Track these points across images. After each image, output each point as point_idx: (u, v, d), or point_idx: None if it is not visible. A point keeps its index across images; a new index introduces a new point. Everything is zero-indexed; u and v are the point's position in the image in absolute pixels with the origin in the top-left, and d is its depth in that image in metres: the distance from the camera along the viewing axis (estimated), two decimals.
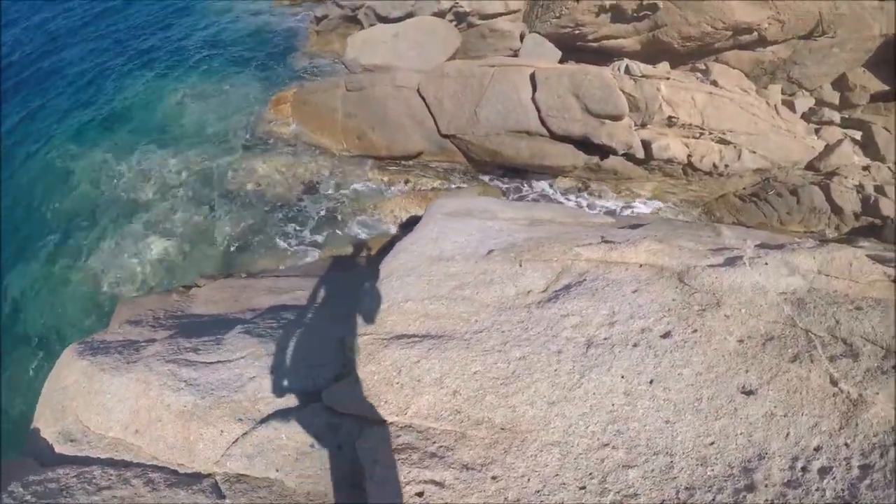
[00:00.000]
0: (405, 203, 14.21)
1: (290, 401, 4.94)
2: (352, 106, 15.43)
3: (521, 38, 17.70)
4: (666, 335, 4.11)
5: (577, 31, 17.43)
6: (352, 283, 8.40)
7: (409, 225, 13.95)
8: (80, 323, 12.97)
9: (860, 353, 3.64)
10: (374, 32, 16.79)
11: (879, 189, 13.46)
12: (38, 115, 19.74)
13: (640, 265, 5.04)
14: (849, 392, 3.42)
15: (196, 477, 4.34)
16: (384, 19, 17.45)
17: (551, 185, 14.80)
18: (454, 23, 17.73)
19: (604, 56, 17.81)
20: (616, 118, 13.64)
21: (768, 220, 14.11)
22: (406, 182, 14.86)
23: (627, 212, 14.52)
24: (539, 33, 17.82)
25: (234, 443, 4.45)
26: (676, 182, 15.26)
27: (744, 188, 15.28)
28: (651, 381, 3.77)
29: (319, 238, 13.94)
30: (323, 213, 14.56)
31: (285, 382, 5.11)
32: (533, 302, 4.86)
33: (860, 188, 13.64)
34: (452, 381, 4.10)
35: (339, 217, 14.38)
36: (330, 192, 14.99)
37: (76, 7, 29.01)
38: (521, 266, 5.37)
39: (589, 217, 7.79)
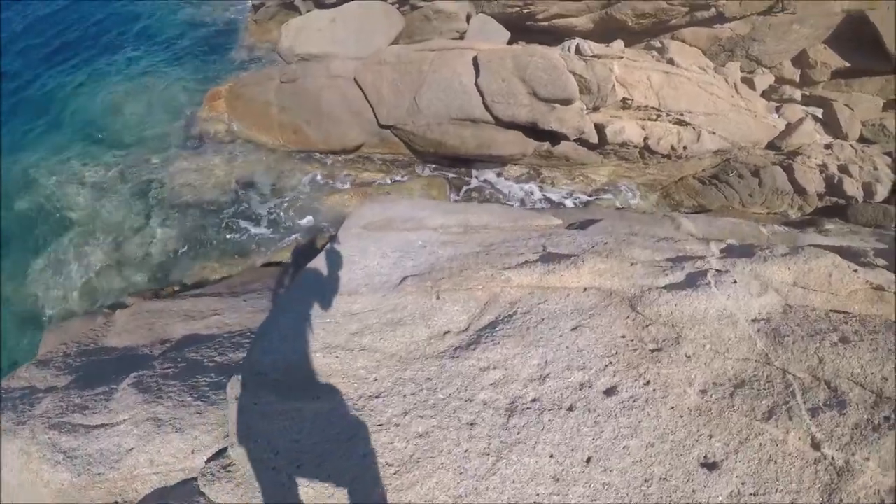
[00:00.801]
0: (345, 199, 13.15)
1: (170, 478, 4.17)
2: (286, 99, 14.25)
3: (468, 19, 16.59)
4: (610, 391, 3.27)
5: (525, 11, 16.34)
6: (266, 305, 7.57)
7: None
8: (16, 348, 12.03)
9: (847, 402, 2.98)
10: (309, 19, 15.55)
11: (843, 168, 12.69)
12: None
13: (584, 289, 4.10)
14: (833, 458, 2.77)
15: None
16: (321, 4, 16.21)
17: (499, 175, 13.80)
18: (396, 6, 16.54)
19: (555, 36, 16.76)
20: (566, 102, 12.63)
21: (730, 203, 13.40)
22: (346, 176, 13.77)
23: (580, 199, 13.65)
24: (486, 13, 16.72)
25: None
26: (633, 166, 14.40)
27: (703, 170, 14.51)
28: (588, 460, 2.93)
29: (253, 244, 12.85)
30: (261, 213, 13.44)
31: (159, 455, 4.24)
32: (448, 349, 3.89)
33: (823, 167, 12.86)
34: (331, 470, 3.11)
35: (277, 218, 13.28)
36: (266, 192, 13.85)
37: None
38: (438, 298, 4.38)
39: (532, 218, 6.74)
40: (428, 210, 6.84)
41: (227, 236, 13.17)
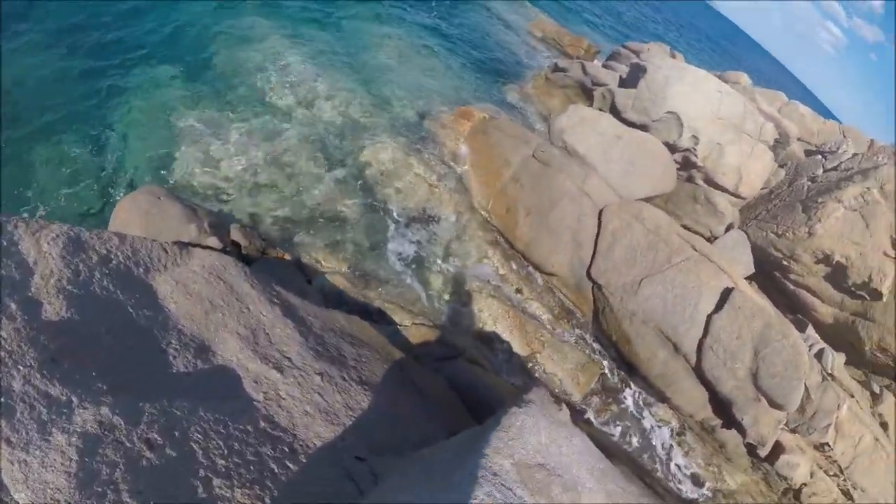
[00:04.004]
0: (498, 313, 11.17)
1: None
2: (526, 175, 12.40)
3: (728, 227, 14.36)
4: None
5: (784, 262, 13.99)
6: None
7: (495, 344, 11.09)
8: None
9: None
10: (597, 119, 13.66)
11: None
12: None
13: None
14: None
15: None
16: (617, 113, 14.33)
17: (650, 407, 11.54)
18: (677, 166, 14.48)
19: (788, 301, 14.38)
20: (775, 406, 10.31)
21: None
22: (517, 291, 11.79)
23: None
24: (747, 234, 14.44)
25: None
26: (768, 493, 11.93)
27: None
28: None
29: (382, 272, 11.03)
30: (416, 255, 11.65)
31: None
32: None
33: None
34: None
35: (423, 276, 11.44)
36: (438, 238, 12.04)
37: None
38: None
39: None
40: (590, 463, 4.80)
41: (368, 242, 11.47)
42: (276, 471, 4.09)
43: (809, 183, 15.42)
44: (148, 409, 3.83)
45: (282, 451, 4.31)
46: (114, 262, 4.95)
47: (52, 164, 10.59)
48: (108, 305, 4.48)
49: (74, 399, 3.56)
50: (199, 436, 3.92)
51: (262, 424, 4.43)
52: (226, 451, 3.97)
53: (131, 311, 4.61)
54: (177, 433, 3.84)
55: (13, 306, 3.86)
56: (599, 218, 11.70)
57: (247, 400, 4.59)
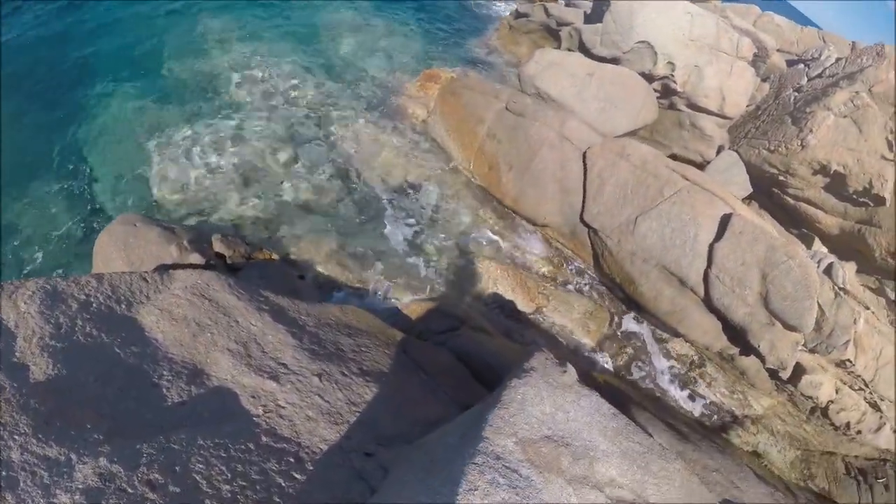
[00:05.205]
0: (497, 274, 10.67)
1: None
2: (502, 129, 11.75)
3: (718, 150, 13.72)
4: None
5: (780, 177, 13.38)
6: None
7: (498, 306, 10.59)
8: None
9: None
10: (566, 58, 12.91)
11: None
12: None
13: None
14: None
15: None
16: (586, 51, 13.56)
17: (663, 343, 11.09)
18: (658, 95, 13.78)
19: (791, 218, 13.82)
20: (790, 328, 9.82)
21: None
22: (514, 247, 11.27)
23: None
24: (739, 153, 13.80)
25: None
26: (795, 413, 11.56)
27: (856, 456, 11.59)
28: None
29: (376, 259, 10.53)
30: (407, 232, 11.11)
31: None
32: None
33: None
34: None
35: (419, 248, 10.92)
36: (425, 211, 11.47)
37: None
38: None
39: None
40: (605, 438, 4.38)
41: (354, 224, 10.96)
42: (283, 484, 3.93)
43: (795, 94, 14.72)
44: (146, 450, 3.73)
45: (287, 462, 4.13)
46: (94, 305, 4.82)
47: (31, 211, 10.26)
48: (93, 352, 4.39)
49: (73, 456, 3.49)
50: (200, 466, 3.80)
51: (265, 439, 4.25)
52: (230, 476, 3.82)
53: (118, 351, 4.50)
54: (177, 468, 3.72)
55: (1, 376, 3.83)
56: (584, 161, 11.08)
57: (246, 417, 4.42)
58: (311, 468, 4.18)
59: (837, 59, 15.15)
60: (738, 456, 10.35)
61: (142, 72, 13.24)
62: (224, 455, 3.93)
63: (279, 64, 13.93)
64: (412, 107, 12.88)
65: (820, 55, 15.95)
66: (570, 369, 4.88)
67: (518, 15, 16.40)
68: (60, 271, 9.42)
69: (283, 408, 4.62)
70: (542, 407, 4.28)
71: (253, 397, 4.60)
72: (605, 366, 10.42)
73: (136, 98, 12.51)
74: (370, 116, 12.74)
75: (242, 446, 4.07)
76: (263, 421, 4.40)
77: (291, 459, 4.16)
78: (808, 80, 14.97)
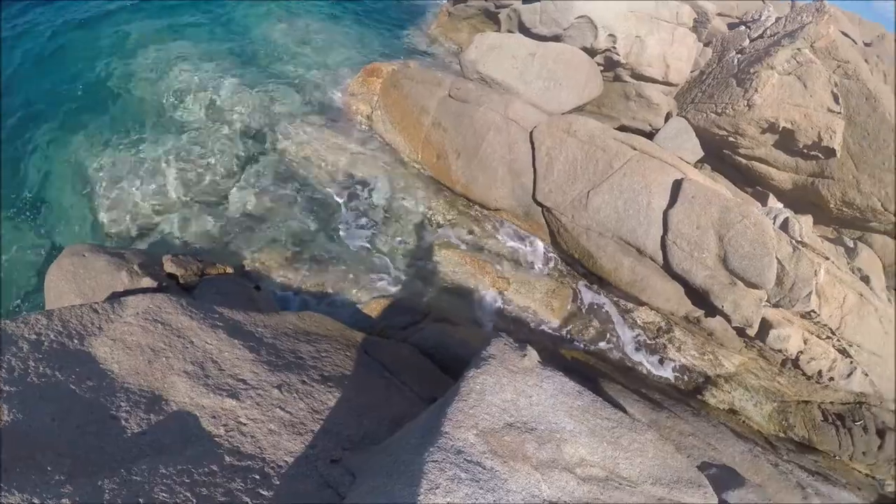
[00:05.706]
0: (456, 261, 10.48)
1: None
2: (446, 116, 11.54)
3: (667, 117, 13.67)
4: None
5: (730, 138, 13.36)
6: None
7: (460, 295, 10.40)
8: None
9: None
10: (507, 40, 12.75)
11: None
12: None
13: None
14: None
15: None
16: (527, 31, 13.40)
17: (628, 313, 10.98)
18: (601, 68, 13.66)
19: (745, 178, 13.83)
20: (752, 286, 9.77)
21: (840, 452, 10.69)
22: (469, 233, 11.07)
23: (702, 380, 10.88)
24: (688, 120, 13.76)
25: None
26: (768, 368, 11.55)
27: (832, 402, 11.66)
28: None
29: (335, 261, 10.27)
30: (362, 230, 10.85)
31: None
32: None
33: None
34: None
35: (374, 243, 10.68)
36: (377, 207, 11.23)
37: None
38: None
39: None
40: (571, 418, 4.29)
41: (310, 228, 10.69)
42: (250, 503, 3.91)
43: (738, 56, 14.72)
44: (108, 486, 3.68)
45: (252, 480, 4.08)
46: (45, 343, 4.73)
47: None
48: (48, 391, 4.34)
49: (36, 501, 3.44)
50: (164, 495, 3.75)
51: (228, 459, 4.19)
52: (195, 501, 3.77)
53: (73, 387, 4.43)
54: (141, 500, 3.68)
55: None
56: (531, 141, 10.91)
57: (207, 439, 4.35)
58: (278, 482, 4.13)
59: (778, 19, 15.20)
60: (715, 416, 10.32)
61: (84, 101, 12.75)
62: (188, 480, 3.89)
63: (218, 78, 13.53)
64: (355, 104, 12.60)
65: (760, 16, 15.98)
66: (531, 352, 4.74)
67: (456, 1, 16.20)
68: (16, 304, 9.06)
69: (245, 424, 4.53)
70: (503, 395, 4.21)
71: (213, 417, 4.53)
72: (573, 343, 10.30)
73: (80, 127, 12.06)
74: (314, 119, 12.43)
75: (206, 469, 4.03)
76: (225, 441, 4.35)
77: (257, 476, 4.13)
78: (750, 42, 14.98)
